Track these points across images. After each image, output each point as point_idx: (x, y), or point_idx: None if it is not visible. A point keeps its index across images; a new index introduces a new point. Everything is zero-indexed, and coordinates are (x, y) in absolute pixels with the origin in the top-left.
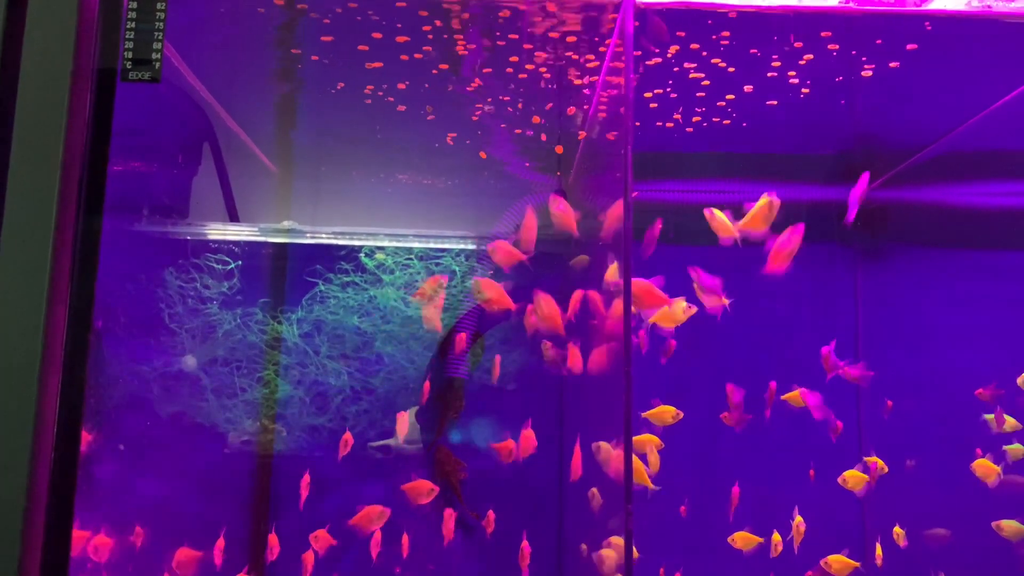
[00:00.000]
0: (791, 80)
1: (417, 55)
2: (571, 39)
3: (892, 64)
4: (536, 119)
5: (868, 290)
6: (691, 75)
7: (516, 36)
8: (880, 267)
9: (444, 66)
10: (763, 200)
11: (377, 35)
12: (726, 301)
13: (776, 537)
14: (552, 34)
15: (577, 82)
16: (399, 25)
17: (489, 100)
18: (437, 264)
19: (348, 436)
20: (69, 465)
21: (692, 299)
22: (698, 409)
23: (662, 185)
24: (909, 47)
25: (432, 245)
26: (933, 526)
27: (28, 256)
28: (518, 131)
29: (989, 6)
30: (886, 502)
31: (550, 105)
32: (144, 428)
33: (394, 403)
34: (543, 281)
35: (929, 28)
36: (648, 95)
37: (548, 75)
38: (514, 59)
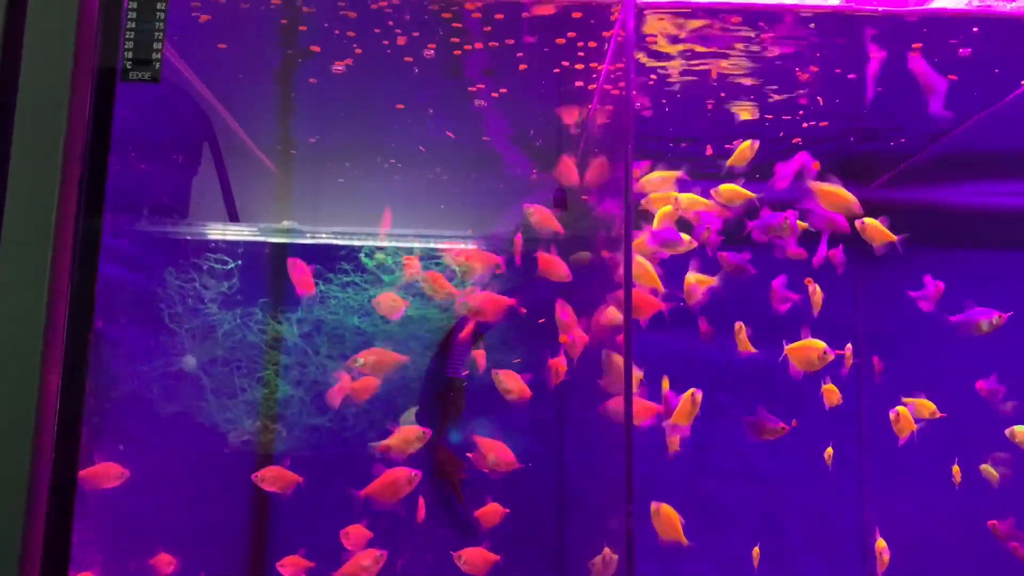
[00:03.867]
0: (791, 80)
1: (420, 54)
2: (572, 36)
3: (893, 64)
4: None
5: (868, 290)
6: (689, 74)
7: (517, 35)
8: (880, 267)
9: (446, 66)
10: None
11: (376, 30)
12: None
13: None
14: (553, 34)
15: (578, 81)
16: (399, 26)
17: (490, 99)
18: (437, 264)
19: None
20: (70, 465)
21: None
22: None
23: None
24: (910, 47)
25: (432, 245)
26: (933, 526)
27: (28, 256)
28: (519, 131)
29: (989, 6)
30: (886, 502)
31: (551, 105)
32: (144, 428)
33: (394, 403)
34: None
35: (930, 28)
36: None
37: (549, 74)
38: (515, 58)
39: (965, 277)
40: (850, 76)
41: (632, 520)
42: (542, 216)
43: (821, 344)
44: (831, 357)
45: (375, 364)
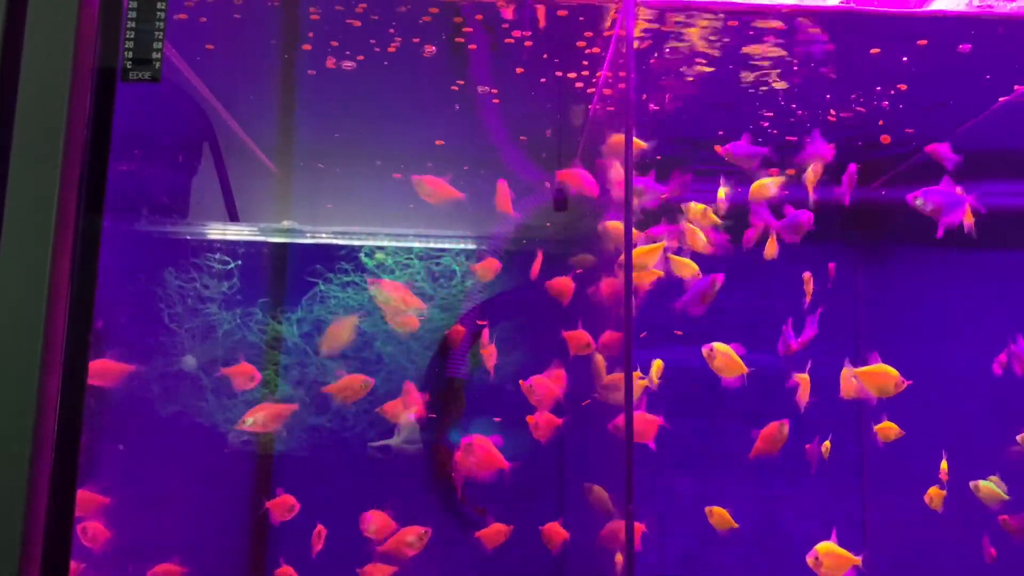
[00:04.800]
0: (792, 79)
1: (420, 53)
2: (573, 35)
3: (893, 64)
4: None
5: (868, 290)
6: (687, 73)
7: (518, 34)
8: (880, 267)
9: (446, 65)
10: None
11: (374, 40)
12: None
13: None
14: (554, 33)
15: (579, 83)
16: (395, 28)
17: (490, 98)
18: (437, 264)
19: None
20: (69, 466)
21: None
22: (696, 407)
23: (663, 186)
24: (910, 47)
25: (432, 245)
26: (931, 524)
27: (28, 256)
28: (519, 130)
29: (990, 6)
30: (886, 500)
31: (551, 103)
32: (144, 428)
33: None
34: (542, 282)
35: (930, 28)
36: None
37: (549, 73)
38: (516, 57)
39: (965, 277)
40: (851, 77)
41: (632, 520)
42: (433, 185)
43: (895, 372)
44: (904, 385)
45: (264, 419)
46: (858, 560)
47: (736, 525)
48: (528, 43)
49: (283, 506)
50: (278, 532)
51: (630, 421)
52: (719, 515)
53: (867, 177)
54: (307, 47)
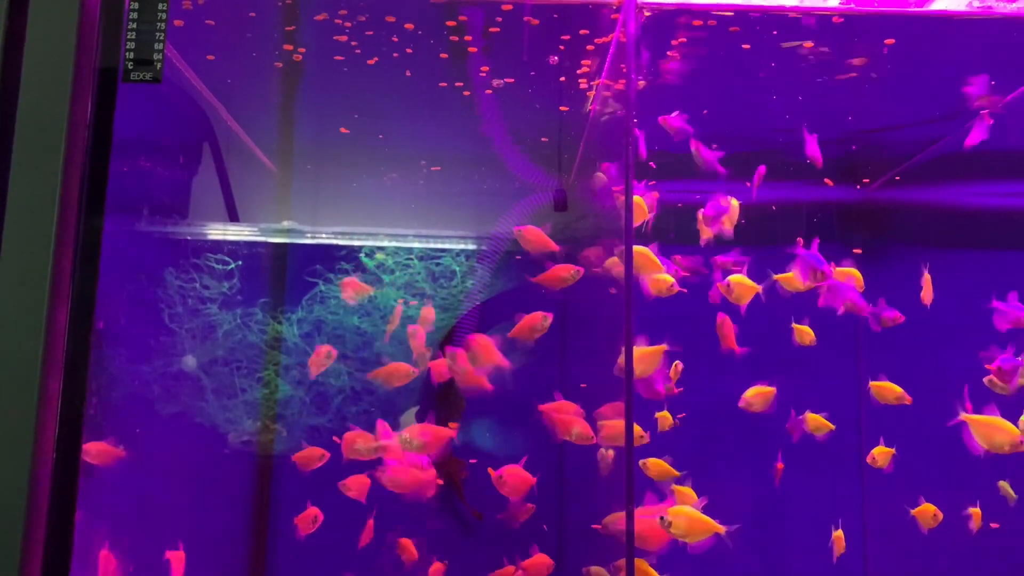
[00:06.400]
0: (791, 79)
1: (421, 55)
2: (573, 37)
3: (893, 64)
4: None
5: (868, 290)
6: (690, 73)
7: (518, 35)
8: (880, 267)
9: (446, 67)
10: None
11: (370, 30)
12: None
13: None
14: (555, 34)
15: (581, 83)
16: (395, 30)
17: (491, 100)
18: (437, 264)
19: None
20: (71, 468)
21: None
22: (696, 406)
23: (662, 185)
24: (910, 47)
25: (432, 245)
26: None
27: (29, 257)
28: (520, 132)
29: (989, 6)
30: (885, 500)
31: (551, 104)
32: (144, 428)
33: (394, 403)
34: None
35: (930, 28)
36: (642, 82)
37: (550, 74)
38: (516, 58)
39: (965, 277)
40: (850, 77)
41: (632, 520)
42: (535, 238)
43: (1015, 430)
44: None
45: None
46: (721, 529)
47: (678, 473)
48: (529, 43)
49: (307, 518)
50: (277, 532)
51: (630, 424)
52: (655, 466)
53: (867, 177)
54: (315, 48)
